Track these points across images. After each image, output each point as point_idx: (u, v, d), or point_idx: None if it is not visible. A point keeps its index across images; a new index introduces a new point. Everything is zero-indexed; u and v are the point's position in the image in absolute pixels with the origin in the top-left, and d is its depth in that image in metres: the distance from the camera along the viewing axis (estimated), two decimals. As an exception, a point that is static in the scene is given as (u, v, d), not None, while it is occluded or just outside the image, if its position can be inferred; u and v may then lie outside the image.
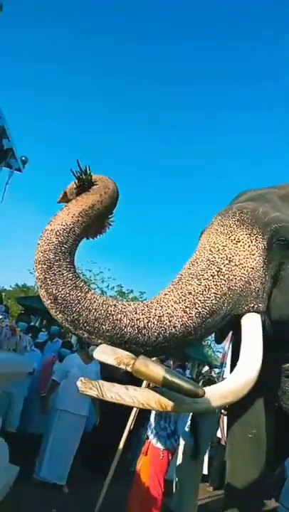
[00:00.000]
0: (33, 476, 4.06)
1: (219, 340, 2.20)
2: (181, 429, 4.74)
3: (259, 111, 53.12)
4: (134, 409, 3.80)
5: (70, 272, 1.57)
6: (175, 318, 1.64)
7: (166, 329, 1.61)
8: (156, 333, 1.60)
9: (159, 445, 3.77)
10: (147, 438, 3.82)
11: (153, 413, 3.96)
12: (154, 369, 1.43)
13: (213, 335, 2.11)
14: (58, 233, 1.58)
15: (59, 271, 1.54)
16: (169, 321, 1.63)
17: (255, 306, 1.82)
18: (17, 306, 16.85)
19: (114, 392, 1.59)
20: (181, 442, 5.56)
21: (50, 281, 1.53)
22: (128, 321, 1.58)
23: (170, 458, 4.04)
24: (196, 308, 1.68)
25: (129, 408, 3.62)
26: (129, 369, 1.52)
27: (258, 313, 1.83)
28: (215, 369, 8.83)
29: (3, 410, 4.68)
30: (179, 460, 4.73)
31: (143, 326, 1.59)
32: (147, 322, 1.60)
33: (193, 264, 1.82)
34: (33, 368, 4.94)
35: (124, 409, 3.51)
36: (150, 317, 1.61)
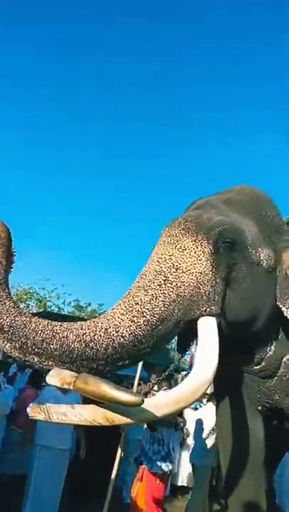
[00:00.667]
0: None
1: (180, 349, 2.20)
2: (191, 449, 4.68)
3: (259, 111, 53.88)
4: (123, 434, 3.69)
5: (11, 301, 1.63)
6: (122, 328, 1.64)
7: (114, 340, 1.62)
8: (104, 345, 1.61)
9: (154, 470, 3.71)
10: (141, 463, 3.72)
11: (145, 437, 3.88)
12: (94, 384, 1.42)
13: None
14: None
15: (1, 301, 1.60)
16: (116, 332, 1.63)
17: (208, 309, 1.84)
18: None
19: (61, 413, 1.56)
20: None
21: None
22: (74, 336, 1.60)
23: (166, 479, 3.95)
24: (143, 317, 1.68)
25: (116, 433, 3.51)
26: (71, 387, 1.47)
27: (213, 316, 1.85)
28: (183, 372, 8.78)
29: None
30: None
31: (90, 339, 1.60)
32: (94, 335, 1.61)
33: (141, 277, 1.84)
34: (11, 407, 4.74)
35: (111, 434, 3.40)
36: (96, 330, 1.63)
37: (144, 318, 1.67)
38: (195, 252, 1.87)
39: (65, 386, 1.50)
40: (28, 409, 1.65)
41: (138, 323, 1.65)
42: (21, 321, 1.58)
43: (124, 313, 1.67)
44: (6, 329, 1.56)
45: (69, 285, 30.27)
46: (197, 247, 1.88)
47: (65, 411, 1.55)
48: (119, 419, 1.48)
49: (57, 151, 42.84)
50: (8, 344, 1.58)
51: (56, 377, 1.56)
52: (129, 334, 1.63)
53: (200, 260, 1.86)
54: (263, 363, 2.26)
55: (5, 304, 1.58)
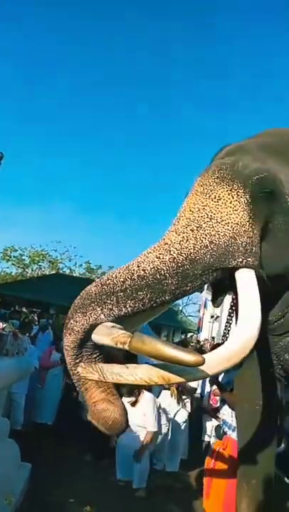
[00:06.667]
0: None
1: (213, 301, 2.12)
2: None
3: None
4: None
5: None
6: (145, 263, 1.67)
7: (133, 273, 1.65)
8: (122, 279, 1.65)
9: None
10: (225, 434, 3.54)
11: (226, 408, 3.68)
12: (151, 344, 1.39)
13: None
14: None
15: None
16: (138, 266, 1.66)
17: (244, 260, 1.76)
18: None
19: (115, 373, 1.58)
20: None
21: None
22: (94, 282, 1.75)
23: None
24: (170, 254, 1.68)
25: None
26: (126, 347, 1.46)
27: (250, 268, 1.77)
28: (189, 333, 8.99)
29: (8, 410, 4.66)
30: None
31: (107, 278, 1.71)
32: (113, 273, 1.71)
33: (173, 225, 1.81)
34: (35, 366, 4.98)
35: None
36: (118, 269, 1.71)
37: (171, 256, 1.67)
38: (231, 202, 1.79)
39: (119, 346, 1.48)
40: (79, 369, 1.68)
41: (163, 260, 1.66)
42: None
43: (152, 252, 1.70)
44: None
45: (80, 248, 30.38)
46: (233, 197, 1.80)
47: (120, 371, 1.56)
48: (174, 378, 1.48)
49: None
50: None
51: (107, 336, 1.56)
52: (151, 268, 1.64)
53: (236, 210, 1.78)
54: (282, 320, 2.17)
55: None
